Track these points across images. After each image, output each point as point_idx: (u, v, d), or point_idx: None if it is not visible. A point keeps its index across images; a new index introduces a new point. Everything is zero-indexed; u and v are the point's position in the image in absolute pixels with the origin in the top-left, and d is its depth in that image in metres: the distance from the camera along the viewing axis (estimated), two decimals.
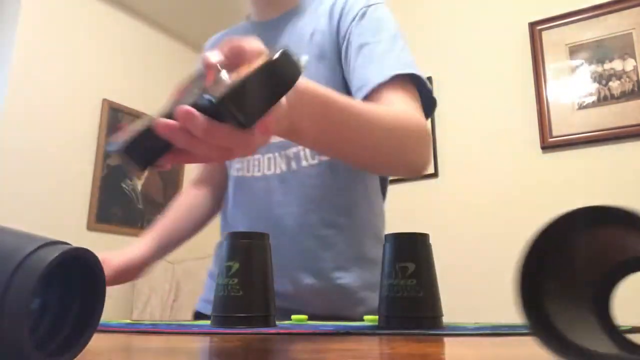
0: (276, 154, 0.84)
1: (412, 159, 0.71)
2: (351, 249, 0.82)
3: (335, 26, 0.82)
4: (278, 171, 0.83)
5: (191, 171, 1.19)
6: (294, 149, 0.82)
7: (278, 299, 0.61)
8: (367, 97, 0.73)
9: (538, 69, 2.27)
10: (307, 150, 0.82)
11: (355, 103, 0.64)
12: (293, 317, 0.73)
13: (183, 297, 2.78)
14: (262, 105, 0.36)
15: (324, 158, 0.81)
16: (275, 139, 0.76)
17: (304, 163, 0.82)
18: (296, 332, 0.52)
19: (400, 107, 0.71)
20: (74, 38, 2.70)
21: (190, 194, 1.02)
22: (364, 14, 0.80)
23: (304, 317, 0.72)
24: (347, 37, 0.80)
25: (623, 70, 2.08)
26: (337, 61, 0.81)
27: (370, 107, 0.66)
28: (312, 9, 0.88)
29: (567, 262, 0.27)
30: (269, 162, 0.84)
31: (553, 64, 2.24)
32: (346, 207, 0.83)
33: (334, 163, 0.82)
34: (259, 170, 0.85)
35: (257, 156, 0.85)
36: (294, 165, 0.82)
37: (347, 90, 0.80)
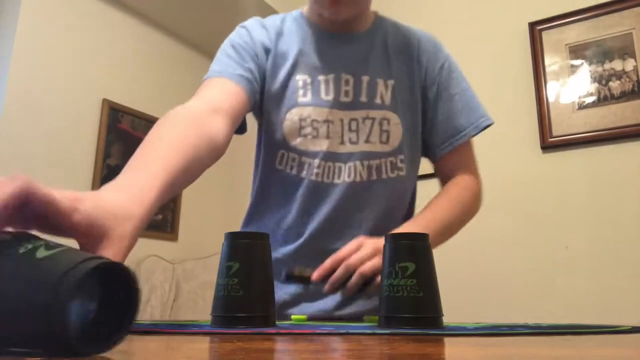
0: (357, 163, 0.90)
1: (472, 216, 0.97)
2: None
3: (421, 75, 0.95)
4: (358, 179, 0.89)
5: None
6: (377, 161, 0.90)
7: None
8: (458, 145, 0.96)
9: (538, 69, 2.27)
10: (389, 163, 0.91)
11: (445, 212, 0.89)
12: (293, 317, 0.73)
13: (183, 297, 2.78)
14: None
15: (402, 172, 0.92)
16: (358, 149, 0.90)
17: (384, 176, 0.90)
18: (296, 332, 0.52)
19: (466, 176, 0.97)
20: (74, 38, 2.70)
21: (208, 123, 0.74)
22: (449, 67, 0.98)
23: (304, 317, 0.72)
24: (436, 86, 0.96)
25: (623, 70, 2.07)
26: (419, 104, 0.95)
27: (450, 206, 0.91)
28: (384, 45, 0.97)
29: None
30: (350, 170, 0.89)
31: (553, 64, 2.24)
32: (400, 216, 0.95)
33: (406, 178, 0.93)
34: (339, 178, 0.89)
35: (338, 164, 0.90)
36: (374, 175, 0.90)
37: (422, 120, 0.96)
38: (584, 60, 2.18)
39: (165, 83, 3.19)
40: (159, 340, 0.48)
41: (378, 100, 0.91)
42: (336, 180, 0.89)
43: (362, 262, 0.71)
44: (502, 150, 2.31)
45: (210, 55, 3.50)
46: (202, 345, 0.44)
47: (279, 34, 0.96)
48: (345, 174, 0.89)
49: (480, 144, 2.34)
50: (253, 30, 0.94)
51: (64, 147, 2.56)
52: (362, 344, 0.43)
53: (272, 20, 0.98)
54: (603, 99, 2.10)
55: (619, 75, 2.08)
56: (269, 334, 0.51)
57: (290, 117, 0.90)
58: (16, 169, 2.34)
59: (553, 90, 2.22)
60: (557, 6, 2.28)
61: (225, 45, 0.93)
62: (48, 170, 2.48)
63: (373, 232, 0.86)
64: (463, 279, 2.21)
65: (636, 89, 2.03)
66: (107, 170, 2.73)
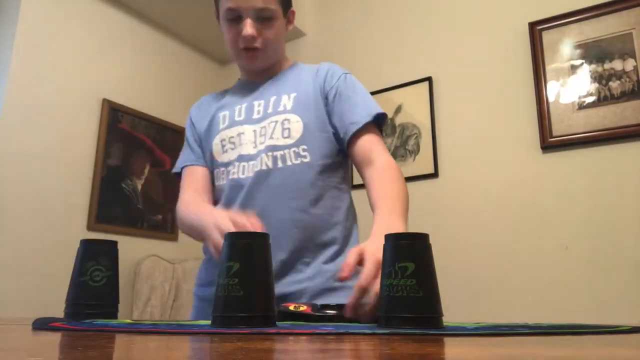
0: (263, 155, 1.06)
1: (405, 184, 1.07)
2: (314, 234, 1.05)
3: (320, 85, 1.13)
4: (264, 168, 1.06)
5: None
6: (281, 152, 1.06)
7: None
8: (356, 132, 1.07)
9: (538, 69, 2.27)
10: (292, 153, 1.06)
11: (391, 196, 0.97)
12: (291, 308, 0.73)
13: (183, 297, 2.78)
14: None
15: (305, 159, 1.06)
16: (264, 145, 1.07)
17: (288, 163, 1.06)
18: (296, 332, 0.52)
19: (382, 159, 1.05)
20: (74, 37, 2.70)
21: (200, 198, 1.18)
22: (345, 78, 1.15)
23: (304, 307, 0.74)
24: (334, 90, 1.12)
25: (623, 70, 2.07)
26: (322, 107, 1.11)
27: (392, 189, 0.99)
28: (292, 76, 1.18)
29: None
30: (257, 162, 1.06)
31: (553, 64, 2.24)
32: (316, 198, 1.06)
33: (311, 164, 1.06)
34: (251, 172, 1.07)
35: (251, 162, 1.07)
36: (280, 163, 1.06)
37: (328, 120, 1.11)
38: (584, 60, 2.18)
39: (165, 83, 3.19)
40: (158, 340, 0.48)
41: (281, 108, 1.11)
42: (249, 174, 1.07)
43: (372, 281, 0.72)
44: (502, 150, 2.31)
45: (209, 55, 3.52)
46: (202, 345, 0.44)
47: (212, 99, 1.26)
48: (255, 167, 1.06)
49: (480, 144, 2.35)
50: (192, 114, 1.26)
51: (64, 147, 2.56)
52: (362, 344, 0.43)
53: (210, 94, 1.29)
54: (603, 99, 2.10)
55: (619, 75, 2.08)
56: (269, 333, 0.51)
57: (215, 142, 1.15)
58: (16, 170, 2.34)
59: (553, 90, 2.22)
60: (557, 6, 2.28)
61: (185, 138, 1.27)
62: (48, 170, 2.48)
63: (300, 217, 1.03)
64: (463, 279, 2.21)
65: (636, 89, 2.03)
66: (107, 169, 2.73)
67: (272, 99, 1.13)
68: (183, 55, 3.36)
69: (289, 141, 1.07)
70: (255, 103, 1.15)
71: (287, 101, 1.11)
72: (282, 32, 1.17)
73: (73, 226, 2.54)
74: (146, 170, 2.96)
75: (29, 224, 2.35)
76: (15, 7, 2.47)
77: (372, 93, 2.72)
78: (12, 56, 2.40)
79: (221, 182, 1.13)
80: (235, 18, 1.09)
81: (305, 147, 1.07)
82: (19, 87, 2.42)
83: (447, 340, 0.46)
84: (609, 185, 2.03)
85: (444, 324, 0.59)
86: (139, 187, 2.91)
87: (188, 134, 1.25)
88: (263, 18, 1.09)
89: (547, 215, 2.14)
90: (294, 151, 1.07)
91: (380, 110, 1.09)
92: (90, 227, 2.60)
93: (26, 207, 2.36)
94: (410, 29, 2.69)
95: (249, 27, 1.08)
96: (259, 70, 1.19)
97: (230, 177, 1.10)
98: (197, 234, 1.03)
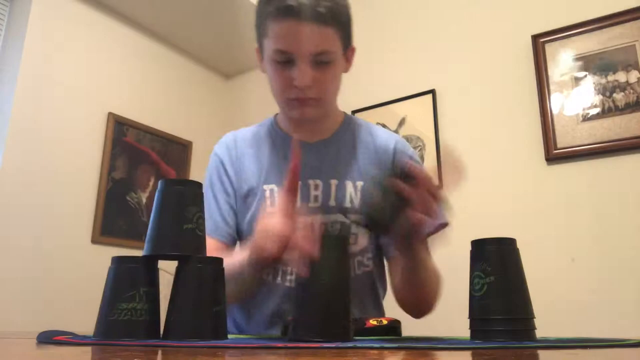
0: None
1: (433, 305, 0.96)
2: None
3: (388, 172, 0.96)
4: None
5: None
6: None
7: None
8: None
9: (542, 81, 2.27)
10: (356, 262, 0.94)
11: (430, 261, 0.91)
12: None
13: None
14: None
15: (367, 268, 0.96)
16: None
17: (352, 274, 0.89)
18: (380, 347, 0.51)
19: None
20: (80, 52, 2.73)
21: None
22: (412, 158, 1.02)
23: None
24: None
25: (627, 82, 2.07)
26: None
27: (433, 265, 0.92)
28: (352, 147, 1.01)
29: None
30: None
31: (557, 76, 2.25)
32: (372, 307, 0.98)
33: (371, 272, 0.97)
34: (288, 279, 0.93)
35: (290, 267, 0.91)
36: None
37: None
38: (587, 72, 2.18)
39: (170, 96, 3.21)
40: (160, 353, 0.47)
41: (347, 204, 0.95)
42: (287, 282, 0.92)
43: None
44: (507, 162, 2.31)
45: (214, 69, 3.54)
46: None
47: (245, 145, 1.04)
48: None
49: (485, 156, 2.35)
50: (224, 159, 1.03)
51: (70, 159, 2.58)
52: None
53: (242, 136, 1.07)
54: (607, 111, 2.10)
55: (623, 87, 2.08)
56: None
57: None
58: (22, 183, 2.36)
59: (557, 103, 2.22)
60: (560, 18, 2.28)
61: (207, 188, 1.01)
62: (53, 183, 2.49)
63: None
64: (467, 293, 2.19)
65: None
66: (112, 183, 2.74)
67: (333, 183, 0.96)
68: (188, 69, 3.39)
69: (355, 248, 0.95)
70: (311, 183, 0.96)
71: (352, 192, 0.95)
72: (341, 76, 0.98)
73: (77, 239, 2.54)
74: (151, 183, 2.97)
75: (33, 236, 2.36)
76: (22, 22, 2.51)
77: (376, 106, 2.74)
78: (19, 70, 2.43)
79: (264, 277, 0.95)
80: (286, 61, 0.90)
81: (370, 255, 0.97)
82: (26, 100, 2.44)
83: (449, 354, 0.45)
84: (615, 197, 2.02)
85: (450, 337, 0.58)
86: (144, 199, 2.91)
87: (215, 180, 1.03)
88: (321, 62, 0.90)
89: (552, 227, 2.13)
90: (358, 260, 0.95)
91: (443, 219, 0.93)
92: (94, 240, 2.60)
93: (31, 219, 2.37)
94: (413, 41, 2.70)
95: (305, 76, 0.88)
96: (309, 121, 1.00)
97: (285, 283, 0.93)
98: (239, 273, 0.84)
